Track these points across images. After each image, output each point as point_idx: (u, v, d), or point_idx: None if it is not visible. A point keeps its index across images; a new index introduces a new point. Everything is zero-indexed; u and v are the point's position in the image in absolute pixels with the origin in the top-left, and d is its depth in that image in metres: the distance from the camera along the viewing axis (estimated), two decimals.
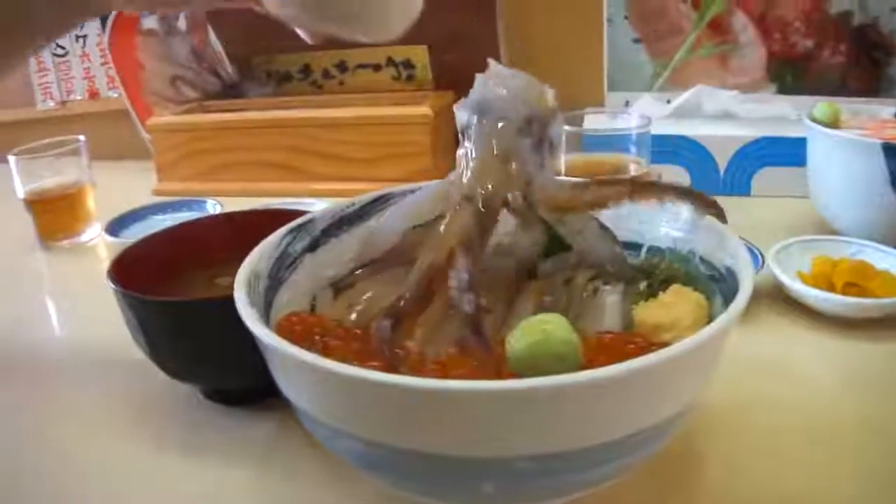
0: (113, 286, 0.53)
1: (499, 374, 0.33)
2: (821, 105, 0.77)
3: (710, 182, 0.91)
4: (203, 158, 1.06)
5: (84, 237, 0.92)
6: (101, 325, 0.71)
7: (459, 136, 0.46)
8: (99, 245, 0.92)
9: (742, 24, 1.00)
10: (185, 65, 1.09)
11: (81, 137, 0.91)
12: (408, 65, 1.09)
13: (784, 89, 1.00)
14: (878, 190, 0.69)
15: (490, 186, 0.42)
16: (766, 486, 0.44)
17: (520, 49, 1.08)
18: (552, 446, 0.31)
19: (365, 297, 0.42)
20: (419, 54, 1.08)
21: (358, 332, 0.39)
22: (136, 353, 0.56)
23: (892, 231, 0.69)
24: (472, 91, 0.45)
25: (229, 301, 0.49)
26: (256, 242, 0.61)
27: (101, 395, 0.59)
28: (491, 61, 0.47)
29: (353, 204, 0.52)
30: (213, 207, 0.91)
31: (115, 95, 1.21)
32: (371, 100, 1.07)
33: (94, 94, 1.24)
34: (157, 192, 1.07)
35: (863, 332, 0.60)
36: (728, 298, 0.40)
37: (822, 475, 0.46)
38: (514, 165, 0.42)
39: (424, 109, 0.98)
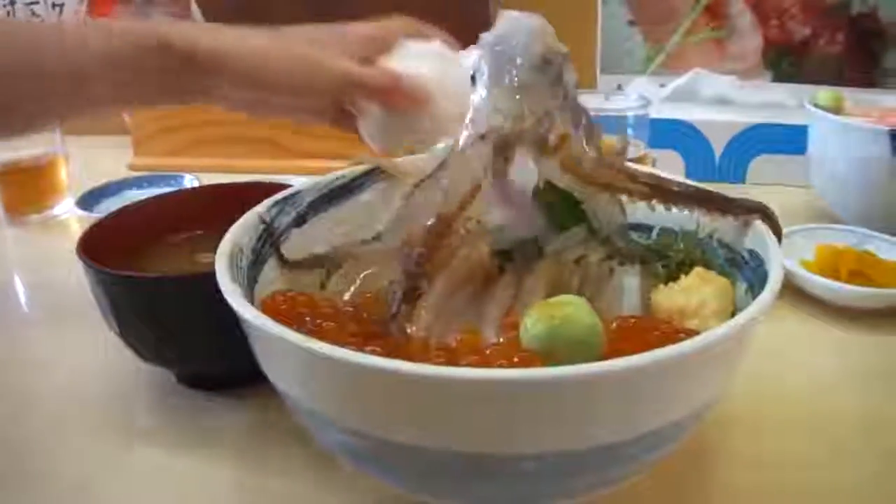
0: (82, 261, 0.49)
1: (510, 361, 0.30)
2: (823, 93, 0.76)
3: (705, 168, 0.89)
4: (182, 133, 1.02)
5: (56, 211, 0.87)
6: (71, 303, 0.68)
7: (468, 81, 0.43)
8: (70, 220, 0.88)
9: (739, 10, 0.97)
10: None
11: None
12: None
13: (780, 77, 0.98)
14: (883, 177, 0.67)
15: (506, 121, 0.39)
16: (771, 478, 0.43)
17: None
18: (573, 443, 0.29)
19: (362, 274, 0.39)
20: None
21: (351, 310, 0.36)
22: (107, 334, 0.52)
23: None
24: (484, 34, 0.42)
25: (208, 277, 0.47)
26: (238, 216, 0.59)
27: (69, 379, 0.56)
28: (502, 10, 0.44)
29: (343, 176, 0.49)
30: (191, 183, 0.87)
31: None
32: None
33: None
34: (133, 167, 1.02)
35: (867, 322, 0.58)
36: (753, 283, 0.38)
37: (826, 466, 0.44)
38: (531, 98, 0.39)
39: None
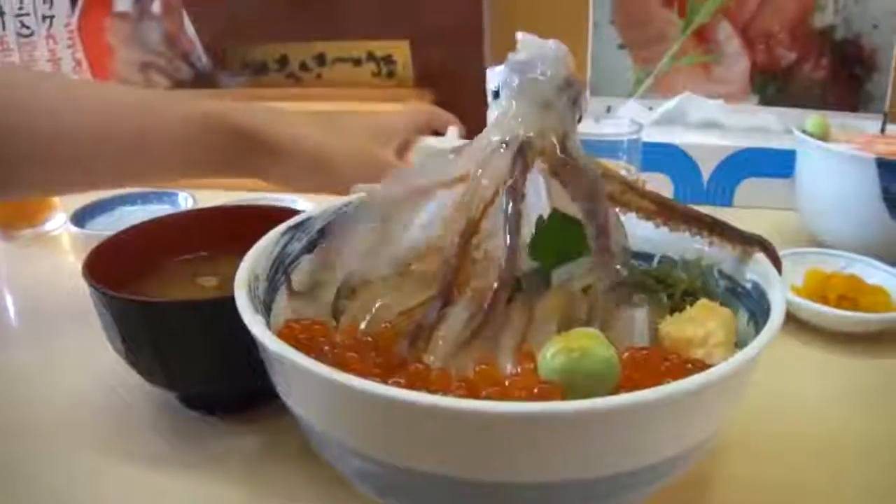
0: (90, 285, 0.49)
1: (529, 392, 0.31)
2: (811, 119, 0.77)
3: (693, 191, 0.91)
4: None
5: (48, 227, 0.87)
6: (64, 321, 0.68)
7: (490, 97, 0.44)
8: (62, 235, 0.87)
9: (727, 34, 0.99)
10: (157, 51, 1.05)
11: None
12: (388, 60, 1.07)
13: (766, 100, 1.01)
14: (870, 204, 0.69)
15: (527, 132, 0.40)
16: (770, 499, 0.44)
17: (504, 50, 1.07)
18: (591, 471, 0.30)
19: (376, 305, 0.40)
20: (401, 50, 1.05)
21: (370, 340, 0.36)
22: (104, 354, 0.52)
23: (883, 246, 0.69)
24: (512, 54, 0.44)
25: (219, 302, 0.47)
26: (237, 239, 0.58)
27: (66, 401, 0.55)
28: (524, 35, 0.46)
29: (350, 203, 0.50)
30: (185, 200, 0.87)
31: None
32: (349, 95, 1.04)
33: None
34: None
35: (855, 347, 0.60)
36: (755, 313, 0.39)
37: (822, 487, 0.45)
38: (552, 115, 0.41)
39: None
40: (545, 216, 0.44)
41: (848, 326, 0.61)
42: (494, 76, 0.44)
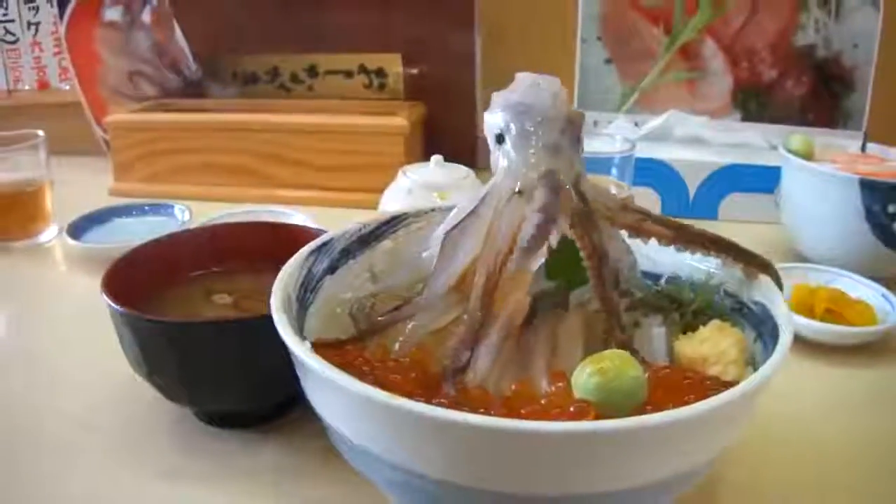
0: (111, 305, 0.50)
1: (565, 411, 0.33)
2: (795, 137, 0.80)
3: (679, 205, 0.93)
4: (164, 159, 1.02)
5: (42, 238, 0.87)
6: (61, 333, 0.68)
7: (491, 140, 0.45)
8: (56, 247, 0.87)
9: (712, 52, 1.02)
10: (146, 59, 1.05)
11: (40, 133, 0.87)
12: (380, 73, 1.08)
13: (748, 117, 1.04)
14: (852, 223, 0.72)
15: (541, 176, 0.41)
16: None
17: (494, 64, 1.09)
18: (632, 481, 0.32)
19: (409, 326, 0.41)
20: (393, 63, 1.07)
21: (407, 361, 0.38)
22: (109, 368, 0.52)
23: (865, 262, 0.72)
24: (503, 95, 0.45)
25: (245, 322, 0.49)
26: (245, 256, 0.60)
27: (77, 418, 0.55)
28: (518, 73, 0.48)
29: (368, 224, 0.51)
30: (182, 212, 0.87)
31: (67, 88, 1.16)
32: (340, 107, 1.05)
33: (43, 86, 1.18)
34: (114, 192, 1.03)
35: (841, 358, 0.63)
36: (761, 332, 0.42)
37: (802, 498, 0.47)
38: (562, 158, 0.42)
39: (400, 120, 0.97)
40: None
41: (835, 339, 0.63)
42: (493, 119, 0.45)
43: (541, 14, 1.08)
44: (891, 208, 0.69)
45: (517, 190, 0.41)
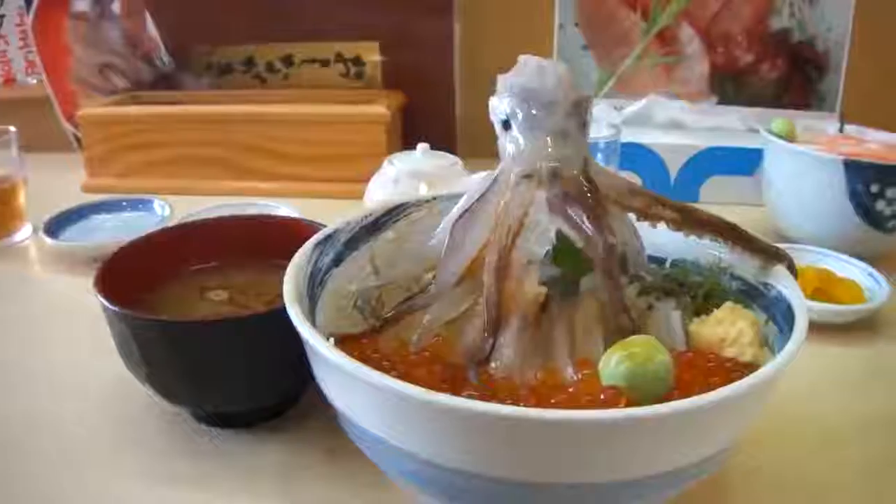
0: (108, 304, 0.48)
1: (596, 398, 0.33)
2: (777, 120, 0.81)
3: (661, 188, 0.94)
4: (139, 153, 1.00)
5: (17, 237, 0.85)
6: (42, 333, 0.66)
7: (498, 125, 0.45)
8: (31, 246, 0.85)
9: (689, 37, 1.03)
10: (117, 51, 1.03)
11: (12, 128, 0.84)
12: (357, 62, 1.07)
13: (725, 100, 1.05)
14: (837, 203, 0.73)
15: (549, 163, 0.41)
16: (769, 474, 0.47)
17: (472, 51, 1.08)
18: (662, 466, 0.32)
19: (426, 318, 0.41)
20: (370, 51, 1.05)
21: (427, 354, 0.38)
22: (94, 366, 0.51)
23: (849, 242, 0.73)
24: (508, 79, 0.45)
25: (245, 320, 0.48)
26: (238, 251, 0.59)
27: (66, 420, 0.53)
28: (521, 56, 0.47)
29: (371, 214, 0.51)
30: (162, 207, 0.86)
31: (34, 82, 1.13)
32: (318, 97, 1.03)
33: (8, 80, 1.15)
34: (87, 189, 1.00)
35: (832, 337, 0.63)
36: (774, 314, 0.42)
37: (817, 466, 0.48)
38: (570, 144, 0.42)
39: (381, 109, 0.97)
40: None
41: (825, 318, 0.64)
42: (499, 104, 0.45)
43: (518, 0, 1.07)
44: (874, 188, 0.71)
45: (526, 174, 0.41)
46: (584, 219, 0.39)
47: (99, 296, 0.49)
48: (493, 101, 0.46)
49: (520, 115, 0.44)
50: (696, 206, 0.45)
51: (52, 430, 0.53)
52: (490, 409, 0.29)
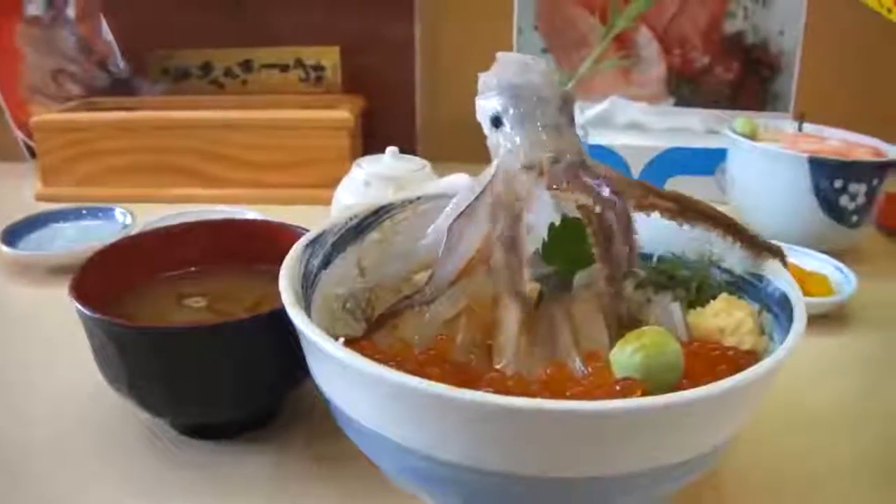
0: (86, 312, 0.47)
1: (610, 389, 0.33)
2: (740, 120, 0.83)
3: None
4: (96, 160, 0.97)
5: None
6: (13, 347, 0.64)
7: (486, 124, 0.45)
8: None
9: (646, 40, 1.05)
10: (71, 57, 1.00)
11: None
12: (317, 66, 1.06)
13: (681, 102, 1.07)
14: (802, 199, 0.75)
15: (549, 154, 0.41)
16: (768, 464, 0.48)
17: (432, 54, 1.08)
18: (678, 455, 0.32)
19: (427, 317, 0.40)
20: (331, 56, 1.05)
21: (433, 353, 0.37)
22: (66, 378, 0.48)
23: (814, 237, 0.75)
24: (493, 77, 0.45)
25: (231, 325, 0.47)
26: (214, 256, 0.58)
27: (38, 435, 0.51)
28: (499, 53, 0.47)
29: (357, 215, 0.50)
30: (123, 216, 0.83)
31: None
32: (278, 102, 1.02)
33: None
34: (41, 198, 0.97)
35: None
36: (768, 304, 0.43)
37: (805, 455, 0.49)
38: (565, 137, 0.42)
39: (345, 114, 0.96)
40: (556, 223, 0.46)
41: None
42: (487, 103, 0.45)
43: (478, 3, 1.08)
44: (837, 183, 0.73)
45: (527, 165, 0.41)
46: (602, 183, 0.39)
47: (76, 303, 0.47)
48: (481, 101, 0.46)
49: (511, 112, 0.44)
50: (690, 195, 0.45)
51: (23, 446, 0.51)
52: (529, 404, 0.29)
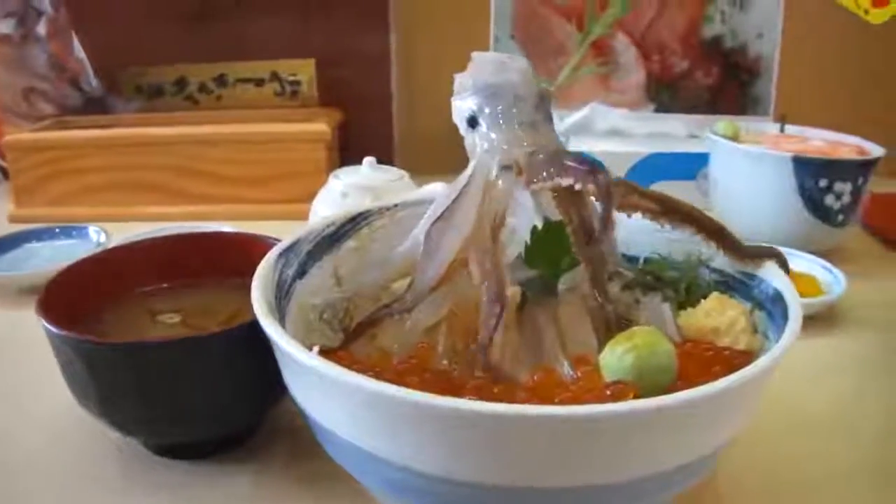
0: (52, 329, 0.45)
1: (601, 394, 0.31)
2: (721, 123, 0.83)
3: None
4: (70, 180, 0.95)
5: None
6: None
7: (462, 125, 0.44)
8: None
9: (624, 46, 1.04)
10: (42, 75, 0.98)
11: None
12: (293, 80, 1.04)
13: (661, 108, 1.06)
14: (786, 199, 0.74)
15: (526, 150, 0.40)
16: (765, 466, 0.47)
17: (408, 66, 1.07)
18: (682, 458, 0.31)
19: (408, 325, 0.39)
20: (306, 69, 1.03)
21: (415, 362, 0.35)
22: (34, 400, 0.47)
23: (799, 237, 0.75)
24: (469, 77, 0.44)
25: (199, 340, 0.45)
26: (186, 271, 0.56)
27: (19, 460, 0.49)
28: (475, 53, 0.46)
29: (333, 223, 0.49)
30: (97, 234, 0.81)
31: None
32: (253, 116, 1.01)
33: None
34: (14, 219, 0.94)
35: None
36: (760, 302, 0.42)
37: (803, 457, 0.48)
38: (541, 134, 0.41)
39: (322, 126, 0.94)
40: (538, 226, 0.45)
41: None
42: (463, 104, 0.44)
43: (454, 13, 1.07)
44: (822, 182, 0.72)
45: (505, 165, 0.40)
46: (581, 162, 0.37)
47: (42, 321, 0.45)
48: (456, 102, 0.45)
49: (487, 111, 0.43)
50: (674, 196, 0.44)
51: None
52: (510, 410, 0.28)
